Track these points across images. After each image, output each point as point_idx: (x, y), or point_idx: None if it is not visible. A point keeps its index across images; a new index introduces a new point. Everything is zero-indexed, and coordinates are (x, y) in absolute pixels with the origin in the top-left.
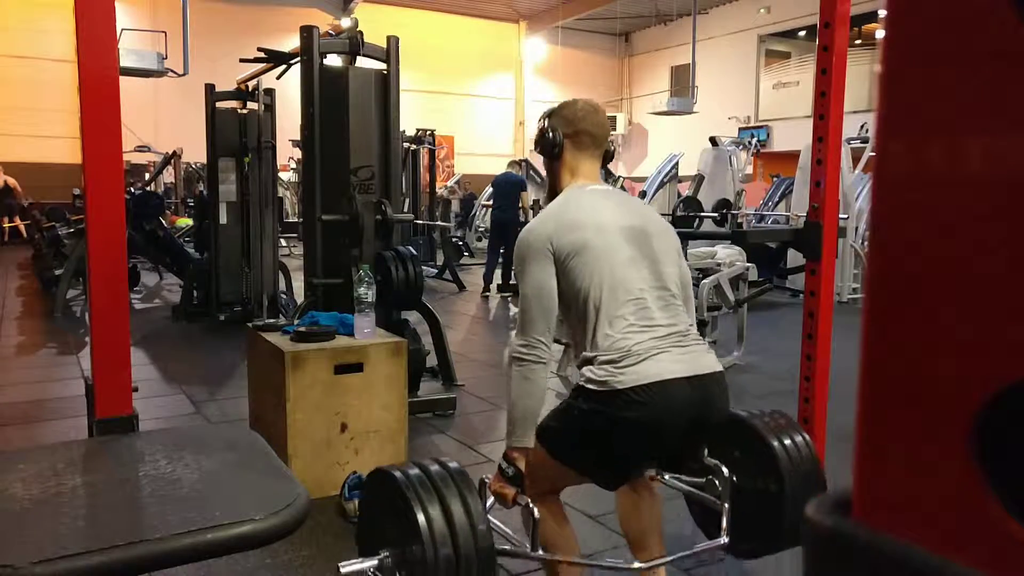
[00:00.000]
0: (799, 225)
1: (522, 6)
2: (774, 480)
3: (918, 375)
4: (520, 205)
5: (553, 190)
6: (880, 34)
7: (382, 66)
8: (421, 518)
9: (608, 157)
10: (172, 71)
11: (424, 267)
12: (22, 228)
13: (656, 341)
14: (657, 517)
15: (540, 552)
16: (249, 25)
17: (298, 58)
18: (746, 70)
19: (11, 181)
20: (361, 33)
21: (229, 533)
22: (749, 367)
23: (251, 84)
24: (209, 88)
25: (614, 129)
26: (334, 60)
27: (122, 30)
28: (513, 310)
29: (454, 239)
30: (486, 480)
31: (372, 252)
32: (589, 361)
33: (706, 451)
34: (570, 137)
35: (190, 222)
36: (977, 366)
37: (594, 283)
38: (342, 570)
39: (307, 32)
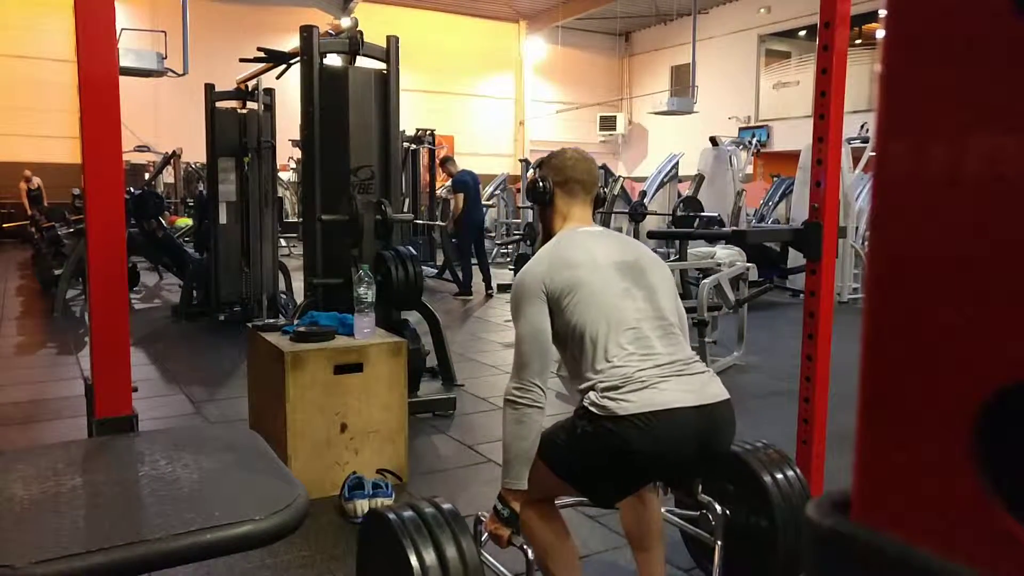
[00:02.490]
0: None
1: (522, 6)
2: (765, 516)
3: (918, 375)
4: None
5: (547, 235)
6: (880, 34)
7: (382, 66)
8: (414, 561)
9: (599, 202)
10: (172, 71)
11: (424, 267)
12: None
13: (659, 369)
14: (658, 517)
15: None
16: (249, 25)
17: (298, 58)
18: (746, 70)
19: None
20: (361, 33)
21: (229, 533)
22: (749, 367)
23: (251, 84)
24: (209, 88)
25: (613, 129)
26: (334, 60)
27: (122, 30)
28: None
29: (454, 239)
30: (482, 518)
31: (372, 252)
32: (590, 388)
33: (700, 487)
34: (560, 185)
35: (190, 222)
36: (977, 366)
37: (590, 318)
38: None
39: (307, 32)
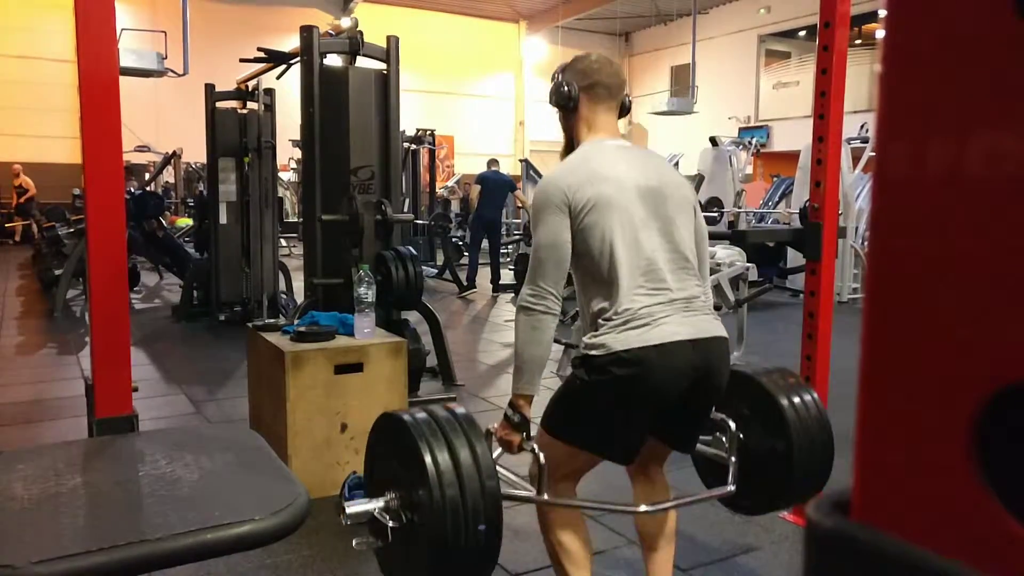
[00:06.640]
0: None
1: (522, 6)
2: (781, 437)
3: (918, 375)
4: (518, 205)
5: (570, 144)
6: (880, 34)
7: (382, 66)
8: (428, 460)
9: (624, 110)
10: (172, 71)
11: (424, 267)
12: (19, 229)
13: (663, 306)
14: (670, 517)
15: (545, 496)
16: (249, 25)
17: (298, 58)
18: (746, 70)
19: (28, 182)
20: (361, 33)
21: (229, 533)
22: (749, 367)
23: (251, 84)
24: (209, 88)
25: None
26: (334, 60)
27: (122, 30)
28: (506, 315)
29: (454, 239)
30: (492, 429)
31: (372, 252)
32: (594, 321)
33: (712, 409)
34: (585, 90)
35: (190, 222)
36: (977, 366)
37: (607, 240)
38: (347, 510)
39: (307, 32)
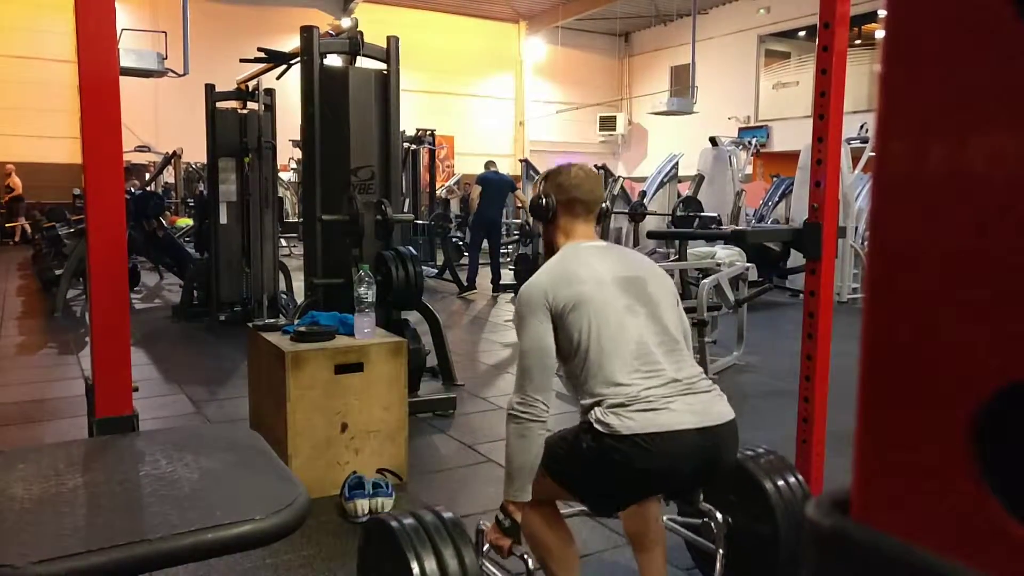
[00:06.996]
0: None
1: (522, 6)
2: (768, 522)
3: (918, 375)
4: (518, 205)
5: (549, 249)
6: (880, 34)
7: (382, 66)
8: (416, 570)
9: (601, 215)
10: (172, 71)
11: (424, 267)
12: (18, 229)
13: (664, 389)
14: (658, 517)
15: None
16: (249, 25)
17: (298, 58)
18: (746, 70)
19: (16, 182)
20: (361, 33)
21: (229, 533)
22: (749, 367)
23: (251, 84)
24: (209, 88)
25: (613, 129)
26: (334, 60)
27: (122, 30)
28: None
29: (454, 239)
30: (483, 528)
31: (372, 252)
32: (596, 404)
33: (702, 496)
34: (563, 204)
35: (190, 222)
36: (977, 366)
37: (593, 334)
38: None
39: (307, 32)
